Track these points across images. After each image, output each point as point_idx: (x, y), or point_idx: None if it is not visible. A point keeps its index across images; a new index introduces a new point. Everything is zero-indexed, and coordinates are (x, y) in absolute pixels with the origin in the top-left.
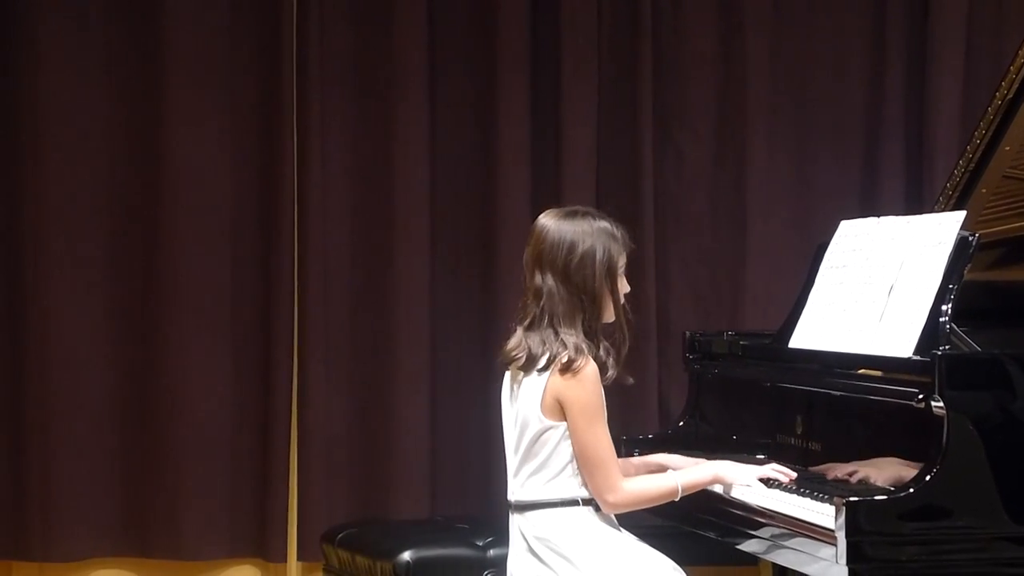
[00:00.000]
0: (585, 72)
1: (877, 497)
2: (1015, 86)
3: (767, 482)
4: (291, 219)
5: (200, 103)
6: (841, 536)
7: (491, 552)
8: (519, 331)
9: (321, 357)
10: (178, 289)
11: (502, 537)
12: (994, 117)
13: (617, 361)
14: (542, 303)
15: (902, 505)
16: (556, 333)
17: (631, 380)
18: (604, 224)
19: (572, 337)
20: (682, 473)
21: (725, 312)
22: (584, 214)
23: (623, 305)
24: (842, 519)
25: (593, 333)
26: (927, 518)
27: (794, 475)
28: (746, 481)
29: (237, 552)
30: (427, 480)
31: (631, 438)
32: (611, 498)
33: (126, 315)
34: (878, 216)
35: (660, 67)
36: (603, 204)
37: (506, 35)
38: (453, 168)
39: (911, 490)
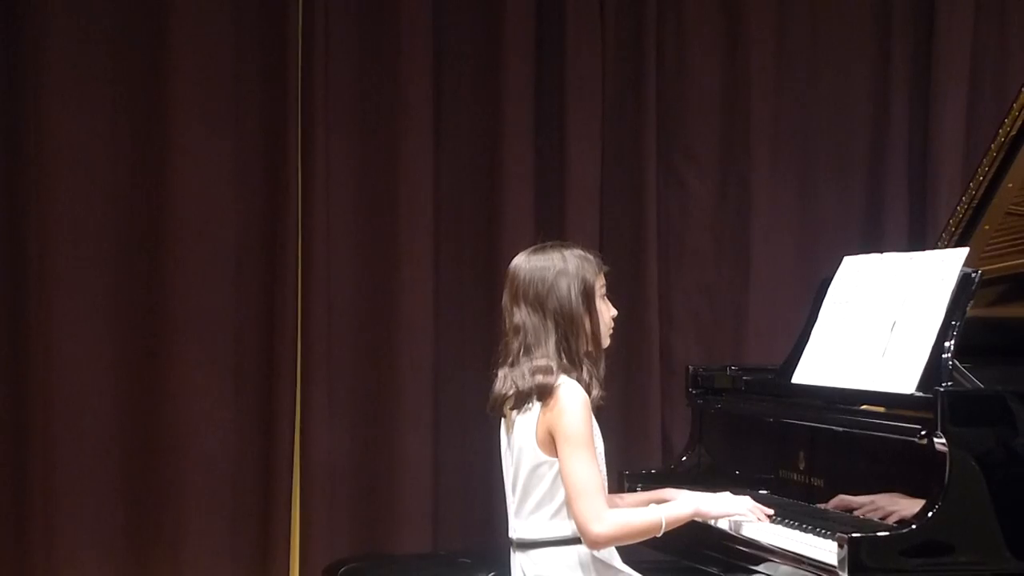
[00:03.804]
0: (589, 106)
1: (880, 533)
2: (1018, 123)
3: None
4: (295, 251)
5: (205, 133)
6: (844, 572)
7: None
8: (501, 372)
9: (324, 390)
10: (182, 320)
11: (504, 572)
12: (997, 154)
13: (599, 382)
14: (519, 337)
15: (904, 541)
16: (531, 361)
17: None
18: (575, 250)
19: (543, 360)
20: (665, 507)
21: (728, 346)
22: (553, 246)
23: (608, 325)
24: (845, 555)
25: (574, 355)
26: (929, 554)
27: (770, 512)
28: (724, 514)
29: None
30: (430, 514)
31: (633, 472)
32: (595, 528)
33: (129, 345)
34: (881, 252)
35: (664, 100)
36: (607, 237)
37: (511, 68)
38: (457, 201)
39: (913, 526)
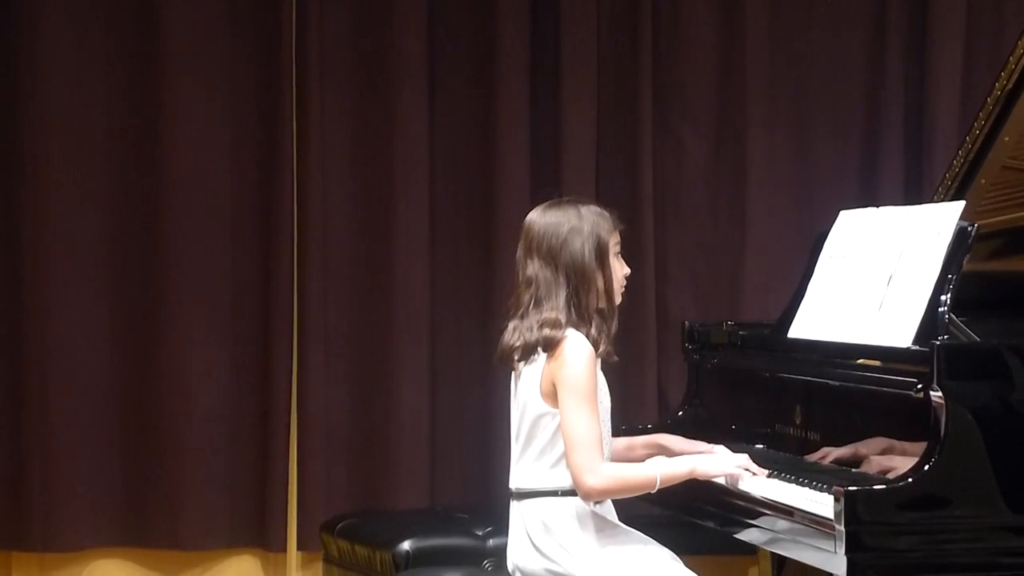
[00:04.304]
0: (584, 63)
1: (876, 487)
2: (1015, 76)
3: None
4: (290, 210)
5: (200, 97)
6: (840, 525)
7: (490, 542)
8: (511, 324)
9: (320, 347)
10: (178, 280)
11: (501, 526)
12: (993, 107)
13: (608, 338)
14: (531, 290)
15: (901, 494)
16: (540, 314)
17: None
18: (591, 207)
19: (552, 313)
20: (661, 465)
21: (724, 302)
22: (569, 202)
23: (620, 282)
24: (841, 508)
25: (584, 310)
26: (925, 508)
27: (764, 472)
28: (720, 473)
29: (237, 542)
30: (426, 470)
31: (630, 427)
32: (589, 479)
33: (126, 306)
34: (877, 206)
35: (659, 58)
36: (603, 195)
37: (506, 29)
38: (453, 160)
39: (910, 480)
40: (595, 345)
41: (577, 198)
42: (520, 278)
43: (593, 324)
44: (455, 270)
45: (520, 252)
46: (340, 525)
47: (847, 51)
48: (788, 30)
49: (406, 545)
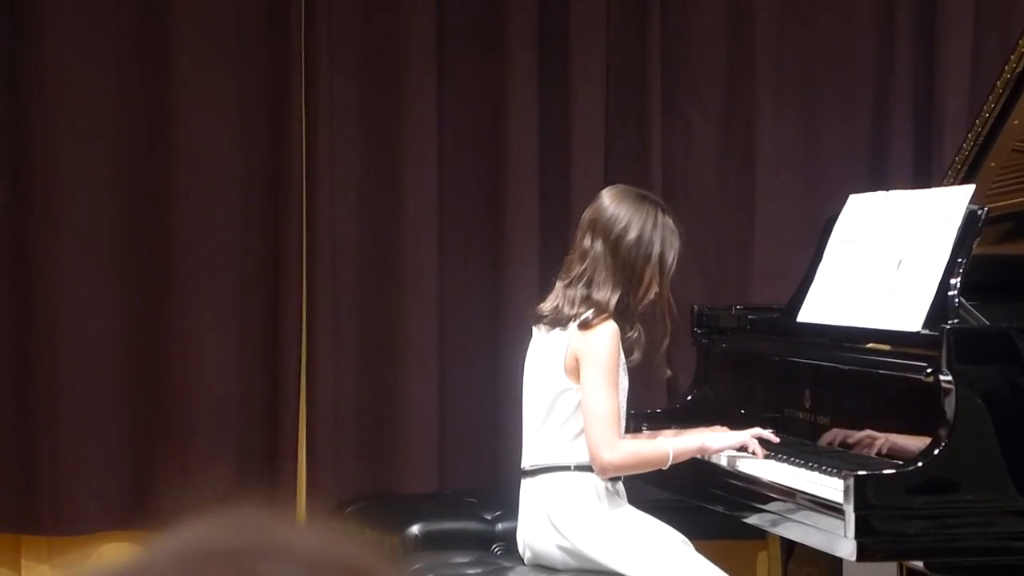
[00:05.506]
0: (594, 45)
1: (886, 471)
2: None
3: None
4: (299, 191)
5: (209, 80)
6: (849, 510)
7: (499, 526)
8: (558, 286)
9: (329, 330)
10: (187, 262)
11: (510, 510)
12: (1003, 90)
13: (656, 351)
14: (585, 264)
15: (910, 479)
16: (589, 295)
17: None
18: (669, 221)
19: (601, 297)
20: (673, 440)
21: (733, 286)
22: (653, 203)
23: (669, 300)
24: (851, 493)
25: (629, 313)
26: (935, 492)
27: (776, 440)
28: (727, 446)
29: None
30: (435, 454)
31: (639, 412)
32: (606, 455)
33: (135, 289)
34: (887, 190)
35: (669, 40)
36: (612, 177)
37: (514, 9)
38: (462, 143)
39: (919, 464)
40: (628, 351)
41: (662, 204)
42: (577, 243)
43: (635, 328)
44: (464, 251)
45: (585, 219)
46: (349, 509)
47: (856, 34)
48: (797, 13)
49: (415, 529)
